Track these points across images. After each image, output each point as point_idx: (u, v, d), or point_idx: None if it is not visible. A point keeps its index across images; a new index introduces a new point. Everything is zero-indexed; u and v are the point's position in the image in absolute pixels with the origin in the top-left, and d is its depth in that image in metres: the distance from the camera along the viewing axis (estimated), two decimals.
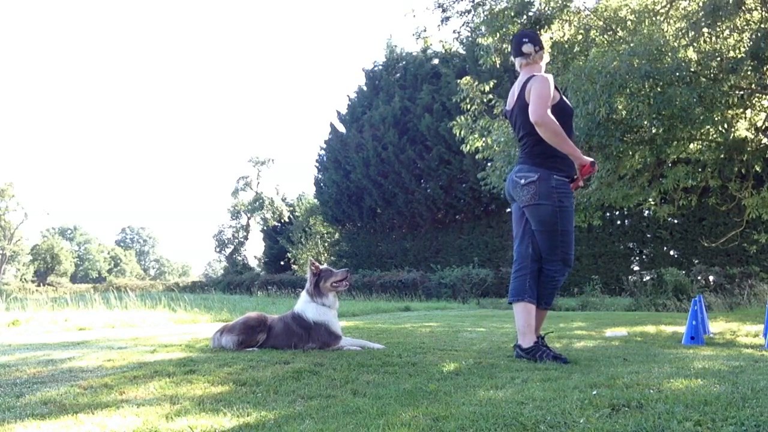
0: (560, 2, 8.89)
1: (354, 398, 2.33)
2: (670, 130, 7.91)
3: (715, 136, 8.90)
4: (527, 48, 3.62)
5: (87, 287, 38.17)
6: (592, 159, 3.54)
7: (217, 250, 49.51)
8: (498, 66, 9.78)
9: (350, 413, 2.06)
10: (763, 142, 9.16)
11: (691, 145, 9.24)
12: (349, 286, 4.00)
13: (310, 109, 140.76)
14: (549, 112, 3.39)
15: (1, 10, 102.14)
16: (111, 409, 2.17)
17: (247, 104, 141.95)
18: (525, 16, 8.91)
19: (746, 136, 9.06)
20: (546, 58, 3.78)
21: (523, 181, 3.48)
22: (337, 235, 31.58)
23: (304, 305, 3.92)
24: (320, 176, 30.07)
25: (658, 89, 7.48)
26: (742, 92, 8.45)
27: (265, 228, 40.46)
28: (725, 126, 8.55)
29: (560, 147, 3.42)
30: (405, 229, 27.34)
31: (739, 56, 7.72)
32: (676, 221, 19.85)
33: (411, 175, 25.51)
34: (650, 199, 10.24)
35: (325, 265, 4.03)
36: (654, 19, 8.84)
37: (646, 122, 8.02)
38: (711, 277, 15.07)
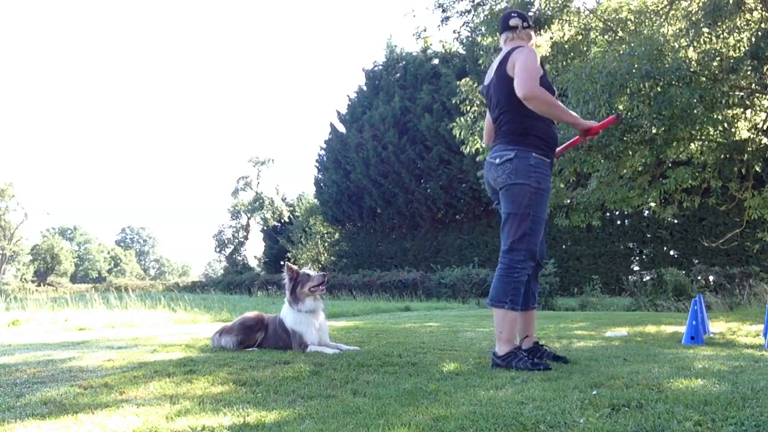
0: (560, 2, 8.90)
1: (354, 398, 2.33)
2: (670, 130, 7.91)
3: (715, 136, 8.90)
4: (515, 21, 3.35)
5: (87, 287, 38.18)
6: (593, 122, 3.28)
7: (217, 250, 49.53)
8: None
9: (350, 413, 2.06)
10: (763, 142, 9.16)
11: (692, 146, 9.24)
12: (325, 290, 3.89)
13: (310, 109, 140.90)
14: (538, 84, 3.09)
15: (1, 10, 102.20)
16: (111, 409, 2.17)
17: (247, 104, 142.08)
18: None
19: (747, 137, 9.06)
20: (533, 39, 3.44)
21: (498, 161, 3.16)
22: (337, 235, 31.59)
23: (285, 311, 3.93)
24: (320, 176, 30.08)
25: (659, 89, 7.48)
26: (742, 92, 8.45)
27: (265, 228, 40.47)
28: (725, 126, 8.54)
29: (559, 118, 3.15)
30: (405, 229, 27.34)
31: (739, 56, 7.72)
32: (676, 221, 19.86)
33: (411, 175, 25.51)
34: (650, 201, 10.24)
35: (304, 269, 3.93)
36: (654, 19, 8.84)
37: (646, 122, 8.03)
38: (711, 277, 15.07)
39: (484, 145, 3.09)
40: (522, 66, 3.09)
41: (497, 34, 3.51)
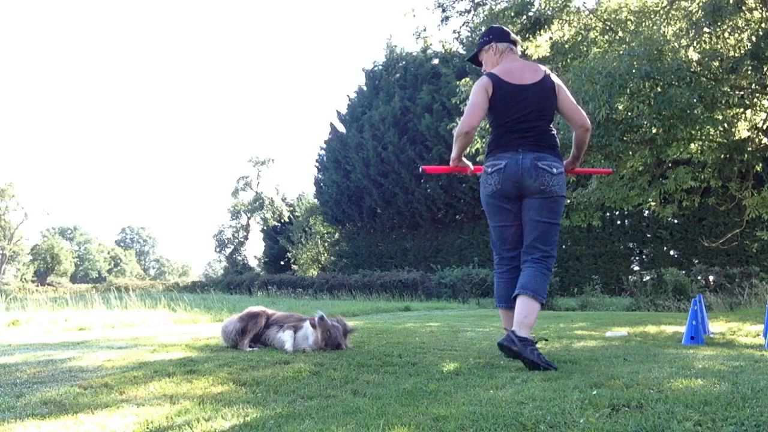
0: (560, 2, 8.90)
1: (354, 398, 2.33)
2: (670, 130, 7.91)
3: (715, 136, 8.91)
4: (515, 38, 3.64)
5: (87, 287, 38.12)
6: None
7: (217, 250, 49.57)
8: None
9: (350, 413, 2.06)
10: (763, 142, 9.16)
11: (692, 146, 9.25)
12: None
13: (310, 109, 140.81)
14: None
15: (1, 10, 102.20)
16: (111, 409, 2.17)
17: (247, 104, 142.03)
18: (525, 16, 8.92)
19: (747, 136, 9.06)
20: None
21: (555, 170, 3.36)
22: (337, 235, 31.58)
23: (305, 328, 3.86)
24: (320, 176, 30.08)
25: (659, 89, 7.48)
26: (742, 92, 8.45)
27: (265, 228, 40.48)
28: (725, 126, 8.54)
29: (584, 148, 3.61)
30: (405, 229, 27.34)
31: (739, 56, 7.71)
32: (676, 221, 19.86)
33: (411, 175, 25.50)
34: (650, 200, 10.24)
35: (329, 320, 3.80)
36: (654, 19, 8.84)
37: (646, 122, 8.03)
38: (711, 277, 15.06)
39: (467, 127, 2.88)
40: (571, 98, 3.47)
41: (494, 41, 3.56)
